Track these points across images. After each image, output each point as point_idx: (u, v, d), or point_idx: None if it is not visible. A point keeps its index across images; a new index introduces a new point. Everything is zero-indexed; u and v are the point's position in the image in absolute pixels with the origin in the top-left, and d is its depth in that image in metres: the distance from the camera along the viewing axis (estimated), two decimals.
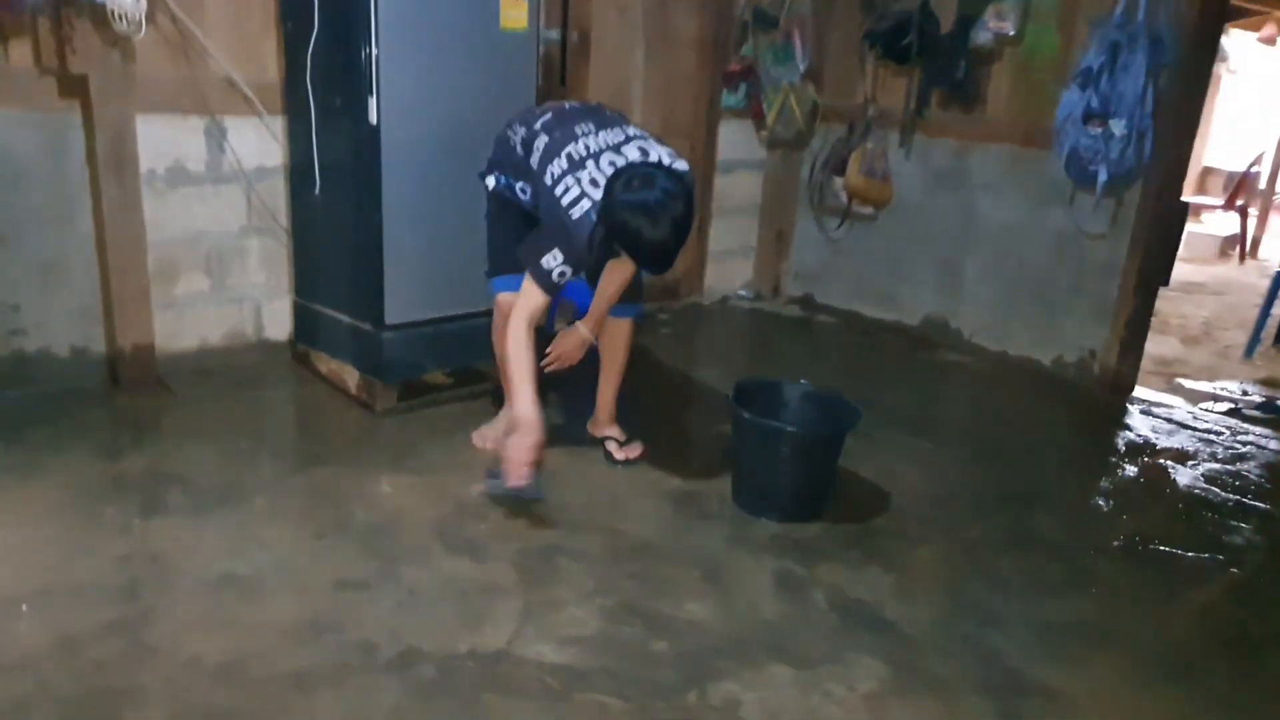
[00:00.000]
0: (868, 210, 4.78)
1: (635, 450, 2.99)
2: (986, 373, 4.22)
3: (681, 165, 2.51)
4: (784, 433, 2.60)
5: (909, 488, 2.96)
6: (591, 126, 2.57)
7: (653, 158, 2.47)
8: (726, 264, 5.14)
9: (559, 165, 2.50)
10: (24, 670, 1.81)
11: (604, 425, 3.03)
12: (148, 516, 2.42)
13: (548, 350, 2.83)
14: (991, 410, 3.79)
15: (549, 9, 4.00)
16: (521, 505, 2.56)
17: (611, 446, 2.98)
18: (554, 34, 4.04)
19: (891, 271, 4.79)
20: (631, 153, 2.48)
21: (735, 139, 4.88)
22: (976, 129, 4.35)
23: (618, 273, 2.75)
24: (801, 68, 4.61)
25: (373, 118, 2.90)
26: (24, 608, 1.98)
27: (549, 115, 2.67)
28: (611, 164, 2.44)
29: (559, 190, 2.46)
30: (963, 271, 4.51)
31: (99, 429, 2.90)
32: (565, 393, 3.36)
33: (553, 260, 2.46)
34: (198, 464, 2.72)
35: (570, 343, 2.83)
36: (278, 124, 3.39)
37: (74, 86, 2.91)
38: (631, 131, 2.58)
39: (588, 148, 2.50)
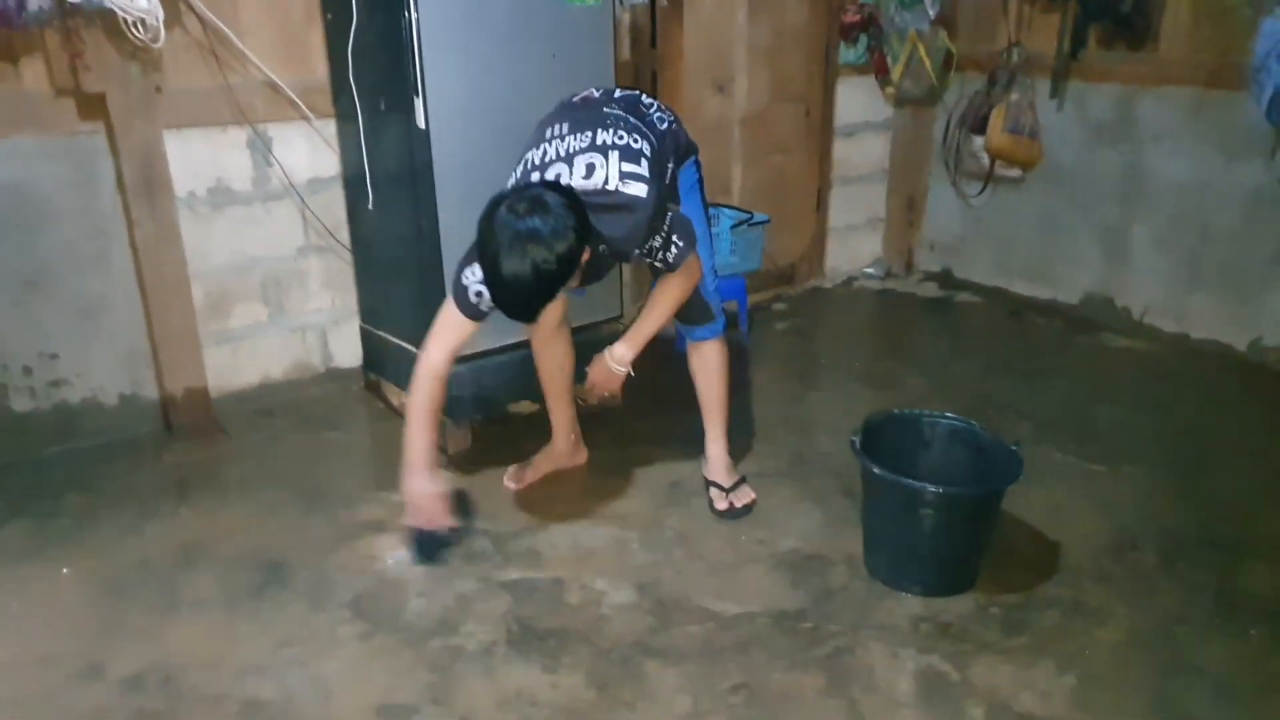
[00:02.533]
0: (1013, 172, 4.12)
1: (742, 498, 2.52)
2: (1165, 362, 3.53)
3: (633, 190, 2.03)
4: (925, 493, 2.07)
5: (1081, 532, 2.40)
6: (564, 128, 2.13)
7: (596, 178, 2.03)
8: (851, 239, 4.56)
9: (515, 172, 2.14)
10: None
11: (713, 468, 2.58)
12: (172, 614, 2.10)
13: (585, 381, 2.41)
14: (1177, 412, 3.12)
15: None
16: (604, 582, 2.16)
17: (714, 494, 2.52)
18: None
19: (1043, 242, 4.12)
20: (577, 169, 2.05)
21: (856, 98, 4.28)
22: (1147, 70, 3.62)
23: (668, 287, 2.23)
24: (932, 12, 3.97)
25: (420, 121, 2.49)
26: None
27: (550, 110, 2.29)
28: (556, 178, 2.04)
29: None
30: (1130, 240, 3.82)
31: (140, 492, 2.61)
32: (676, 422, 2.92)
33: (471, 275, 2.05)
34: (241, 536, 2.40)
35: (600, 371, 2.34)
36: (330, 129, 3.02)
37: (94, 106, 2.60)
38: (603, 139, 2.09)
39: (544, 154, 2.10)
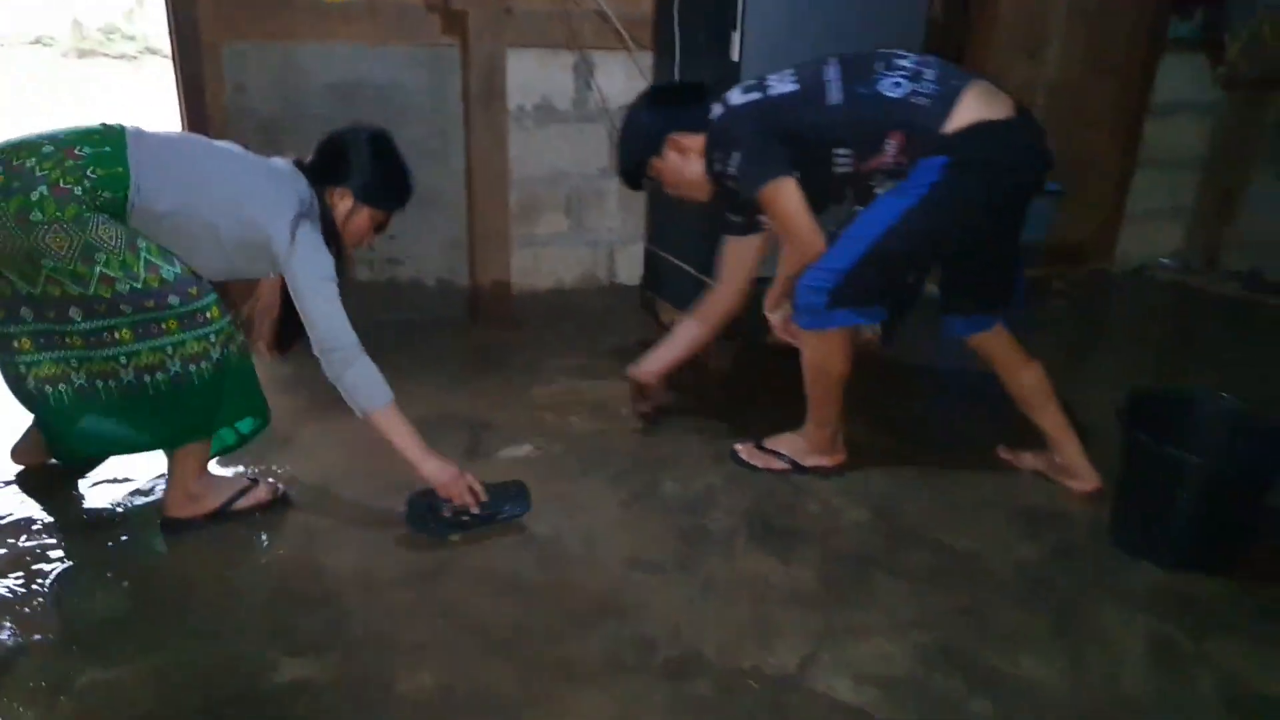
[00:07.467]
0: None
1: (765, 461, 2.47)
2: None
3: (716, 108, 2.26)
4: (1187, 465, 2.02)
5: None
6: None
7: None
8: (1149, 226, 4.32)
9: None
10: (327, 604, 1.89)
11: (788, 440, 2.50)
12: (470, 458, 2.47)
13: None
14: None
15: None
16: (842, 500, 2.29)
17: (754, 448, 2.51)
18: None
19: None
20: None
21: (1179, 76, 4.04)
22: None
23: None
24: None
25: (734, 54, 2.67)
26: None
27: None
28: None
29: None
30: None
31: (450, 362, 3.05)
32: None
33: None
34: (528, 408, 2.75)
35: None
36: (647, 61, 3.28)
37: (455, 22, 3.00)
38: (772, 78, 2.23)
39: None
